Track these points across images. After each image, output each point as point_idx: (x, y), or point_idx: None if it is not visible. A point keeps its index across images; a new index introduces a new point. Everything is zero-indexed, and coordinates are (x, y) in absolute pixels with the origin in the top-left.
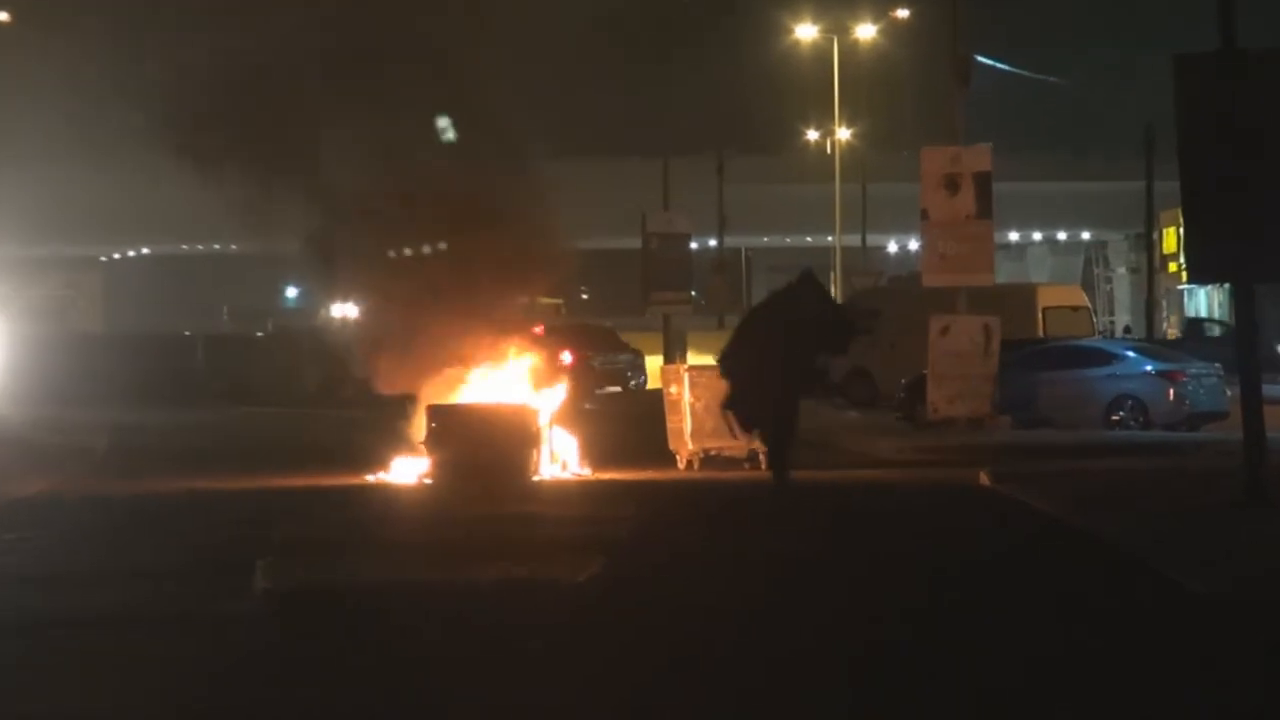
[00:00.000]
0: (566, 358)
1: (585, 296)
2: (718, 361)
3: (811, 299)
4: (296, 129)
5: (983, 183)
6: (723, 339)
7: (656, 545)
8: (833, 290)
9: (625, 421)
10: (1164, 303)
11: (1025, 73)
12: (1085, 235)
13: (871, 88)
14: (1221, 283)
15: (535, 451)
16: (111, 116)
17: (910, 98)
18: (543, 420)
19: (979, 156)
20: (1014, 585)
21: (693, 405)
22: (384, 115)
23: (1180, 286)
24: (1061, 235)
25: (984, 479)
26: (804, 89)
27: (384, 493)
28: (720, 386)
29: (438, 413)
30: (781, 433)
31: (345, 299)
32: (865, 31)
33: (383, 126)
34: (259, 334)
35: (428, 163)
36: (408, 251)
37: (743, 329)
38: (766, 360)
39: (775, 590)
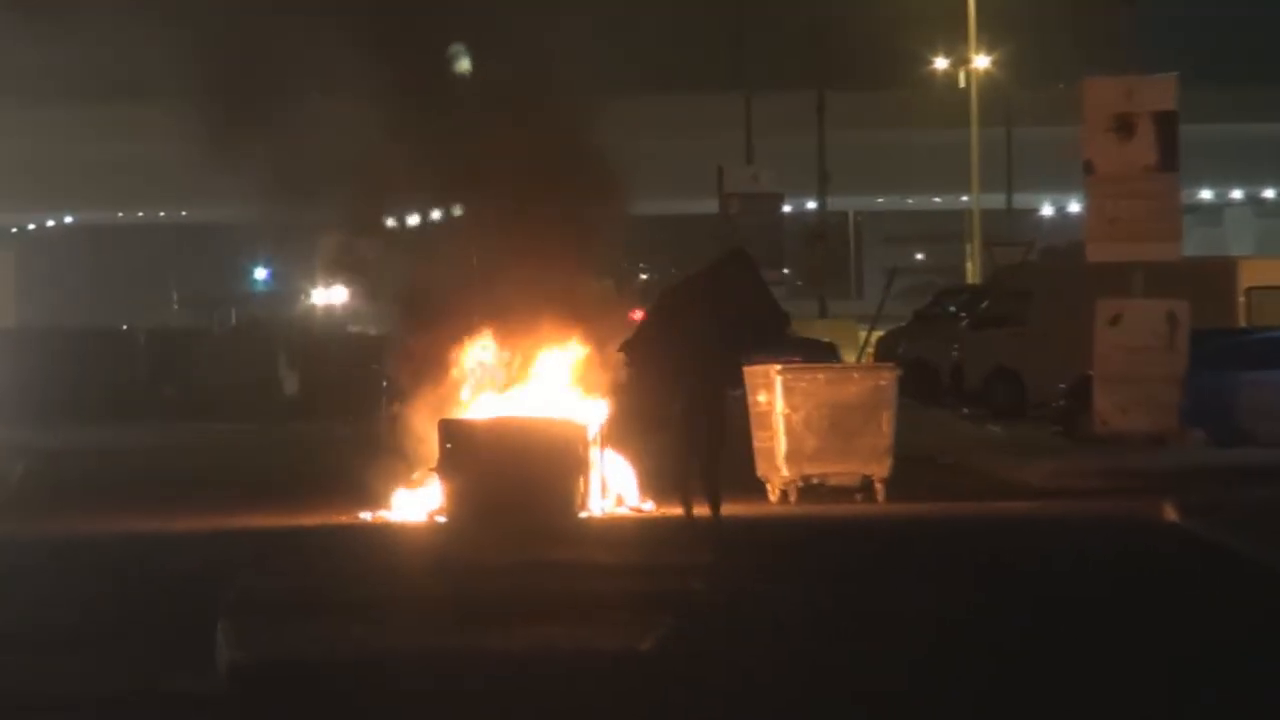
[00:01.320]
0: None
1: (645, 276)
2: (620, 349)
3: (739, 285)
4: (303, 62)
5: (1165, 125)
6: (829, 329)
7: (739, 603)
8: (971, 267)
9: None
10: None
11: None
12: None
13: (1018, 2)
14: None
15: (582, 480)
16: (27, 45)
17: (1068, 15)
18: (592, 439)
19: (1160, 91)
20: (1219, 669)
21: (788, 418)
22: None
23: None
24: (1269, 192)
25: (1169, 513)
26: (930, 5)
27: (383, 535)
28: (825, 393)
29: (454, 430)
30: (701, 444)
31: (335, 280)
32: None
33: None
34: (219, 327)
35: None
36: (413, 218)
37: (654, 314)
38: (674, 355)
39: (889, 667)
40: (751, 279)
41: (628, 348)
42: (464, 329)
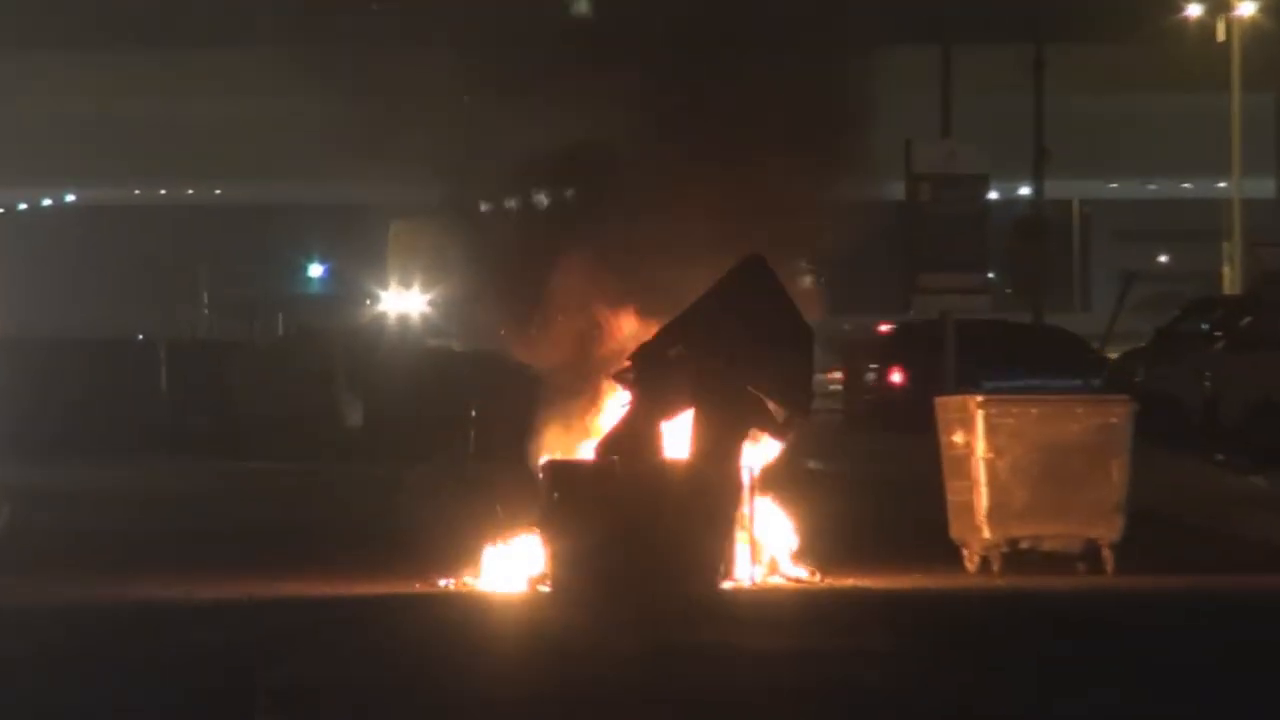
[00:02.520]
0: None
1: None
2: (615, 376)
3: (753, 301)
4: None
5: None
6: None
7: (931, 703)
8: (1229, 273)
9: (879, 491)
10: None
11: None
12: None
13: None
14: None
15: (728, 540)
16: None
17: None
18: (742, 487)
19: None
20: None
21: (991, 464)
22: None
23: None
24: None
25: None
26: None
27: (469, 608)
28: (1040, 432)
29: (563, 473)
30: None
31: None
32: None
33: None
34: (261, 338)
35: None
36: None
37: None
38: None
39: None
40: (769, 292)
41: (624, 377)
42: (599, 336)
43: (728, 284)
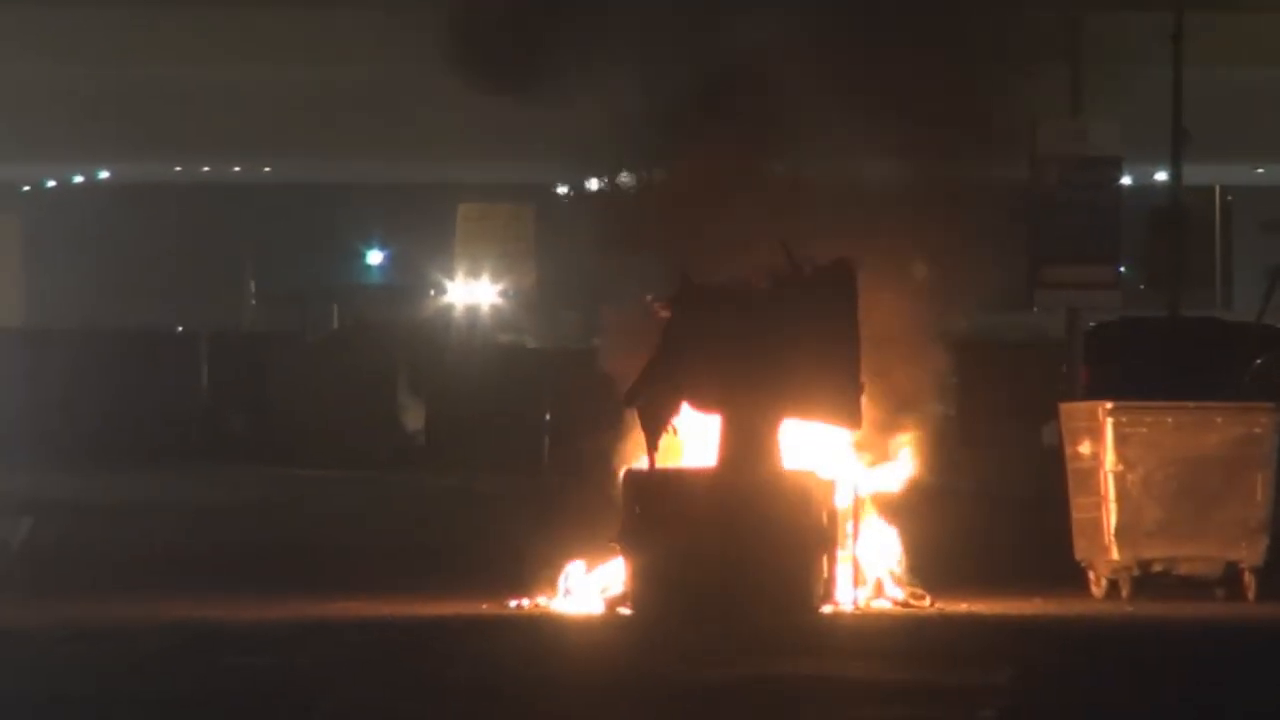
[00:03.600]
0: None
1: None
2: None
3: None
4: None
5: None
6: None
7: None
8: None
9: (997, 508)
10: None
11: None
12: None
13: None
14: None
15: (826, 559)
16: None
17: None
18: (842, 501)
19: None
20: None
21: (1121, 478)
22: None
23: None
24: None
25: None
26: None
27: (543, 631)
28: (1175, 443)
29: (645, 484)
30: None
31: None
32: None
33: None
34: (313, 333)
35: None
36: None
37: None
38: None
39: None
40: (840, 303)
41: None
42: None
43: (811, 278)
